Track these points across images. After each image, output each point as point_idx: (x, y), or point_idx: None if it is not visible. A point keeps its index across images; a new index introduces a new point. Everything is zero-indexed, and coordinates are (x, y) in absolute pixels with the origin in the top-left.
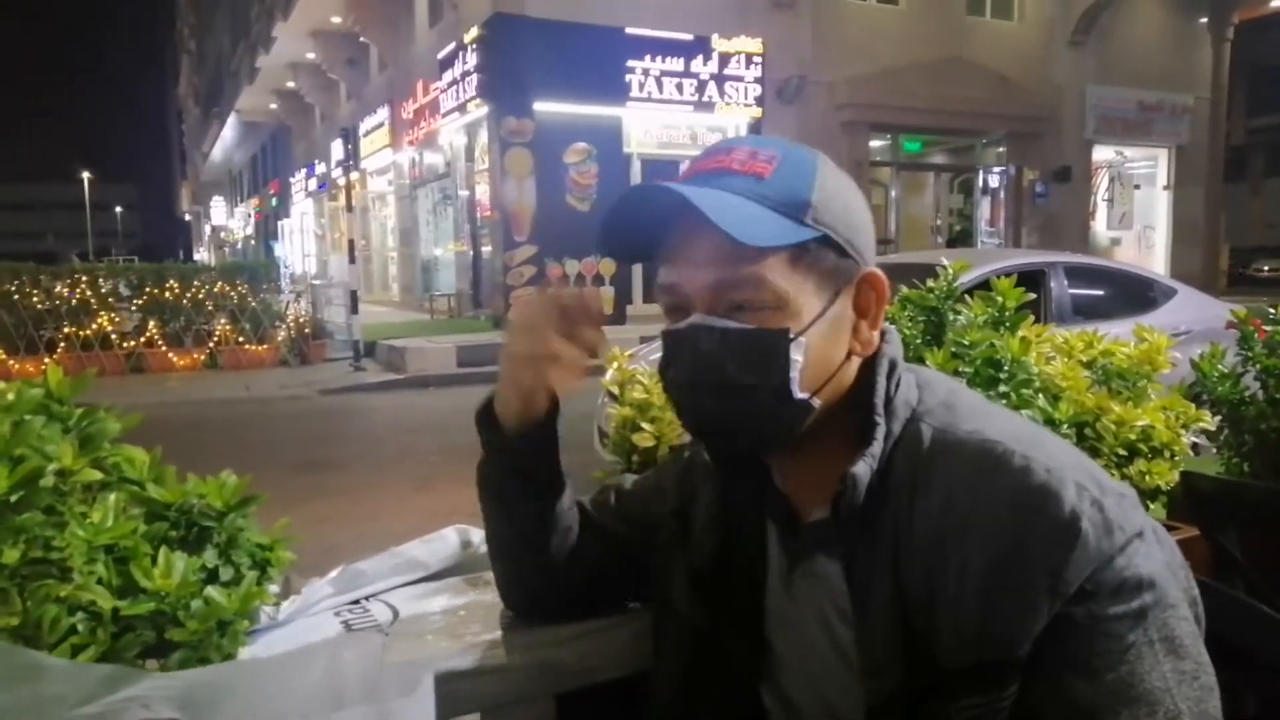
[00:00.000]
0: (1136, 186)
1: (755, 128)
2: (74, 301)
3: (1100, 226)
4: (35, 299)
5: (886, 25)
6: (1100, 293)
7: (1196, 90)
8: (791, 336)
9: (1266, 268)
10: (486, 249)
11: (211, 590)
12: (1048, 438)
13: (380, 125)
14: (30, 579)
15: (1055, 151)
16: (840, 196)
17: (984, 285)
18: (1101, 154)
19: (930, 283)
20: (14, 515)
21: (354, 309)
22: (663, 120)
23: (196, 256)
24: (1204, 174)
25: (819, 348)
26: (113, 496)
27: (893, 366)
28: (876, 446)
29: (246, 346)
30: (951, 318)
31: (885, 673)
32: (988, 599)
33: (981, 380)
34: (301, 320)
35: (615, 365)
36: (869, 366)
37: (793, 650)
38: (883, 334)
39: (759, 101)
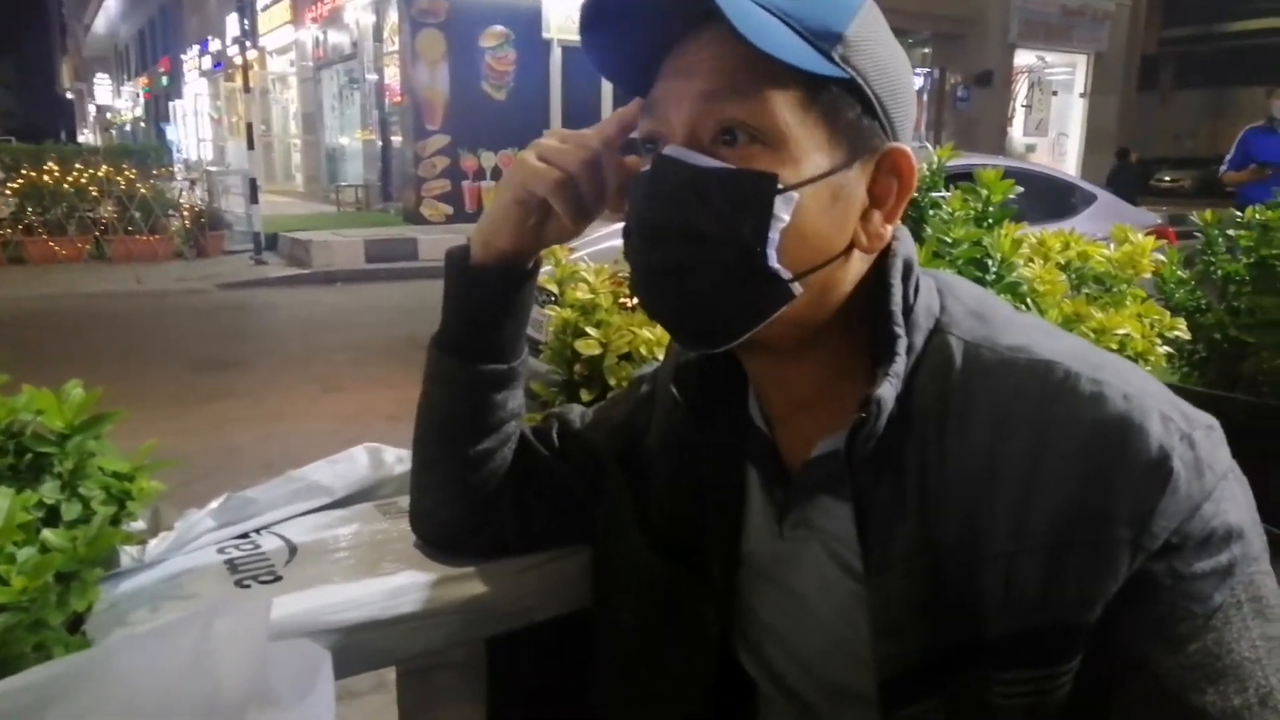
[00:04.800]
0: (1054, 93)
1: None
2: None
3: (1017, 132)
4: None
5: None
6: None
7: None
8: (780, 186)
9: (1168, 178)
10: (396, 138)
11: (49, 534)
12: (1109, 356)
13: None
14: None
15: (978, 55)
16: (882, 45)
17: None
18: (1023, 59)
19: None
20: None
21: (254, 198)
22: None
23: (80, 139)
24: (1119, 82)
25: (813, 215)
26: None
27: (908, 268)
28: (899, 364)
29: (137, 236)
30: (931, 213)
31: (905, 634)
32: (1054, 554)
33: None
34: (197, 209)
35: (553, 260)
36: (877, 270)
37: (779, 614)
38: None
39: None
